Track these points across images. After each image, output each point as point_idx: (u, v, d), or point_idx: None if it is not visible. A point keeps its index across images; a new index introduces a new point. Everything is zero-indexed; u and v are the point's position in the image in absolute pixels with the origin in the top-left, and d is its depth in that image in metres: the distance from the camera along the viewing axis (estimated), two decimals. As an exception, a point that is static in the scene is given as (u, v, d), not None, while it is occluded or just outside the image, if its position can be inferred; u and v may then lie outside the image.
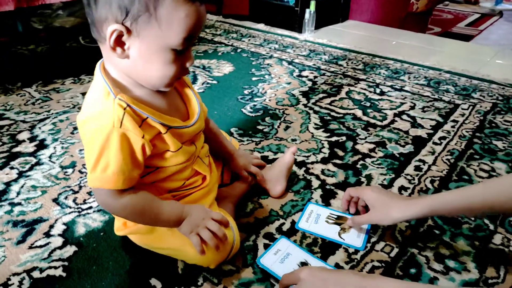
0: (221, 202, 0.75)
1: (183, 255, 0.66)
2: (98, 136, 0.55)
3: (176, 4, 0.51)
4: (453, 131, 1.13)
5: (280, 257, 0.68)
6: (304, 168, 0.94)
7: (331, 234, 0.74)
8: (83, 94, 1.29)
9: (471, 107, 1.27)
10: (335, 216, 0.79)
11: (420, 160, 0.98)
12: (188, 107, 0.67)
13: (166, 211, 0.61)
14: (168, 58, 0.54)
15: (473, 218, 0.80)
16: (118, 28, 0.51)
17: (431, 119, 1.19)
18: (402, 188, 0.88)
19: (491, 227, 0.78)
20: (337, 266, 0.68)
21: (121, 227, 0.68)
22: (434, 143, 1.06)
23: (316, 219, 0.77)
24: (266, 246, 0.72)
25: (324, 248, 0.72)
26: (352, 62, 1.64)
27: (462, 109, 1.26)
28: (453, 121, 1.18)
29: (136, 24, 0.51)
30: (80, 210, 0.79)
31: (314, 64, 1.61)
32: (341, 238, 0.74)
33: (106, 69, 0.59)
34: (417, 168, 0.95)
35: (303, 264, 0.68)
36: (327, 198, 0.84)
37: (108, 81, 0.57)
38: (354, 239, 0.73)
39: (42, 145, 1.00)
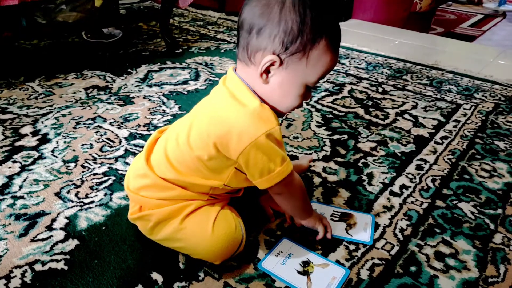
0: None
1: (191, 249, 0.66)
2: (274, 137, 0.59)
3: (327, 50, 0.58)
4: (455, 130, 1.13)
5: (282, 259, 0.68)
6: (305, 166, 0.94)
7: (339, 231, 0.75)
8: (86, 89, 1.29)
9: (473, 107, 1.27)
10: (339, 213, 0.79)
11: (421, 159, 0.99)
12: None
13: (307, 195, 0.71)
14: (301, 92, 0.61)
15: (473, 217, 0.80)
16: (274, 59, 0.57)
17: (433, 119, 1.19)
18: (403, 187, 0.88)
19: (492, 226, 0.78)
20: (338, 263, 0.68)
21: (136, 211, 0.68)
22: (436, 142, 1.06)
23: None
24: (267, 243, 0.72)
25: (325, 245, 0.72)
26: (354, 61, 1.64)
27: (464, 109, 1.26)
28: (455, 121, 1.18)
29: (289, 59, 0.58)
30: (82, 204, 0.80)
31: (316, 63, 1.60)
32: (349, 234, 0.74)
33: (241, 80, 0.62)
34: (419, 167, 0.95)
35: (305, 263, 0.68)
36: (328, 196, 0.85)
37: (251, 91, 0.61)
38: (362, 234, 0.74)
39: (44, 139, 1.01)
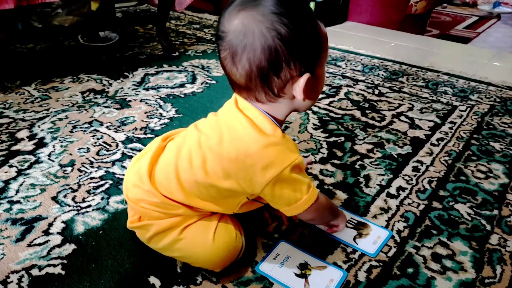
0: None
1: (191, 259, 0.65)
2: (299, 167, 0.59)
3: (321, 30, 0.57)
4: (450, 132, 1.13)
5: (280, 262, 0.68)
6: (302, 168, 0.94)
7: (346, 237, 0.74)
8: (82, 93, 1.29)
9: (468, 109, 1.28)
10: (356, 221, 0.78)
11: (418, 161, 0.99)
12: None
13: (334, 204, 0.74)
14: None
15: (469, 218, 0.80)
16: (306, 77, 0.55)
17: (429, 120, 1.20)
18: (400, 189, 0.89)
19: (488, 227, 0.78)
20: (336, 265, 0.69)
21: (135, 220, 0.67)
22: (432, 144, 1.07)
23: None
24: (265, 246, 0.72)
25: (323, 247, 0.72)
26: (351, 63, 1.65)
27: (460, 110, 1.27)
28: (451, 122, 1.19)
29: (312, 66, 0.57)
30: (79, 208, 0.79)
31: (313, 65, 1.61)
32: (355, 242, 0.73)
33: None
34: (415, 169, 0.96)
35: (303, 265, 0.68)
36: (325, 198, 0.85)
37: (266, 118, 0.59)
38: (369, 245, 0.73)
39: (41, 144, 1.00)
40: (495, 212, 0.83)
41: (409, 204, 0.84)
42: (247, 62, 0.54)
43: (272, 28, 0.52)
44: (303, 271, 0.67)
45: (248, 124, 0.58)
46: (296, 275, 0.66)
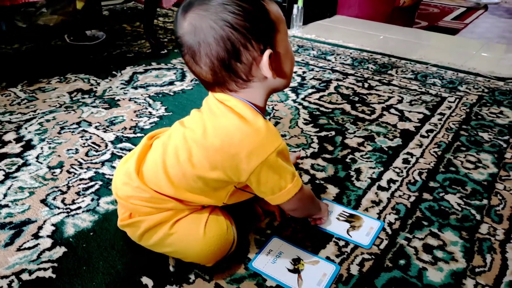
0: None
1: (182, 254, 0.65)
2: (283, 154, 0.59)
3: (272, 3, 0.59)
4: (440, 123, 1.14)
5: (272, 258, 0.68)
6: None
7: (339, 230, 0.75)
8: (70, 93, 1.27)
9: (457, 100, 1.29)
10: (348, 214, 0.79)
11: (408, 153, 1.00)
12: None
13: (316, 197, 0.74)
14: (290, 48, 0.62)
15: (460, 209, 0.81)
16: (268, 54, 0.56)
17: (419, 112, 1.20)
18: (390, 181, 0.89)
19: (478, 217, 0.79)
20: (328, 259, 0.69)
21: (126, 218, 0.67)
22: (422, 136, 1.08)
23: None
24: (257, 242, 0.72)
25: (315, 242, 0.72)
26: (340, 57, 1.65)
27: (449, 102, 1.28)
28: (440, 114, 1.20)
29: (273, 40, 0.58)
30: (69, 210, 0.78)
31: (302, 60, 1.61)
32: (349, 235, 0.74)
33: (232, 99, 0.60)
34: (405, 161, 0.96)
35: (295, 260, 0.68)
36: (317, 193, 0.85)
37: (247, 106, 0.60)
38: (362, 237, 0.73)
39: (28, 146, 0.99)
40: (485, 201, 0.83)
41: (400, 196, 0.84)
42: (206, 57, 0.56)
43: (218, 19, 0.54)
44: (296, 266, 0.67)
45: (230, 114, 0.59)
46: (289, 270, 0.66)
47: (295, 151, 0.99)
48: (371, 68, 1.54)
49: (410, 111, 1.21)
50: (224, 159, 0.58)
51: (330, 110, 1.21)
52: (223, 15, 0.54)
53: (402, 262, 0.69)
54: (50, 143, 1.00)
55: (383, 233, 0.75)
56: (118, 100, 1.24)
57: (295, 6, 1.94)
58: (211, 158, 0.59)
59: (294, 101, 1.26)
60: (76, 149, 0.98)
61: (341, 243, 0.72)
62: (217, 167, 0.59)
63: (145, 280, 0.64)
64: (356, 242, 0.72)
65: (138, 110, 1.18)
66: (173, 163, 0.62)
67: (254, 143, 0.57)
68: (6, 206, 0.79)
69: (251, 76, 0.58)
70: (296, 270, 0.66)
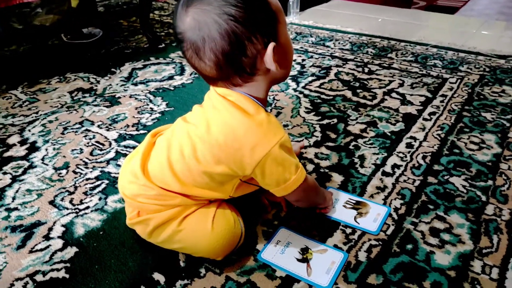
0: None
1: (192, 249, 0.66)
2: (286, 146, 0.60)
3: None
4: (442, 106, 1.14)
5: (281, 248, 0.69)
6: (297, 153, 0.94)
7: (347, 218, 0.75)
8: (70, 92, 1.27)
9: (459, 81, 1.28)
10: (354, 201, 0.79)
11: (411, 137, 1.00)
12: None
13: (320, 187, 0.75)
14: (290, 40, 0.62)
15: (465, 191, 0.81)
16: (272, 47, 0.56)
17: (420, 95, 1.20)
18: (395, 166, 0.89)
19: (483, 198, 0.79)
20: (336, 247, 0.70)
21: (134, 216, 0.68)
22: (424, 119, 1.07)
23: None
24: (265, 233, 0.73)
25: (322, 231, 0.73)
26: (339, 43, 1.63)
27: (450, 83, 1.27)
28: (442, 95, 1.19)
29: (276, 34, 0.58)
30: (77, 210, 0.79)
31: (301, 47, 1.60)
32: (356, 222, 0.74)
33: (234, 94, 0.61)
34: (409, 145, 0.96)
35: (304, 250, 0.69)
36: (322, 182, 0.85)
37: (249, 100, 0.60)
38: (370, 223, 0.74)
39: (33, 148, 1.00)
40: (490, 182, 0.84)
41: (404, 181, 0.85)
42: (211, 53, 0.55)
43: (222, 13, 0.53)
44: (305, 255, 0.68)
45: (232, 108, 0.59)
46: (298, 260, 0.67)
47: (298, 141, 0.99)
48: (371, 52, 1.53)
49: (411, 95, 1.20)
50: (228, 153, 0.59)
51: (331, 97, 1.20)
52: (226, 9, 0.53)
53: (409, 246, 0.69)
54: (54, 144, 1.01)
55: (389, 219, 0.75)
56: (119, 97, 1.24)
57: (291, -8, 1.91)
58: (216, 153, 0.59)
59: (295, 90, 1.25)
60: (81, 149, 0.99)
61: (348, 230, 0.73)
62: (222, 161, 0.60)
63: (157, 276, 0.65)
64: (364, 229, 0.73)
65: (140, 107, 1.18)
66: (178, 159, 0.62)
67: (257, 137, 0.58)
68: (16, 209, 0.80)
69: (256, 69, 0.58)
70: (304, 260, 0.67)
